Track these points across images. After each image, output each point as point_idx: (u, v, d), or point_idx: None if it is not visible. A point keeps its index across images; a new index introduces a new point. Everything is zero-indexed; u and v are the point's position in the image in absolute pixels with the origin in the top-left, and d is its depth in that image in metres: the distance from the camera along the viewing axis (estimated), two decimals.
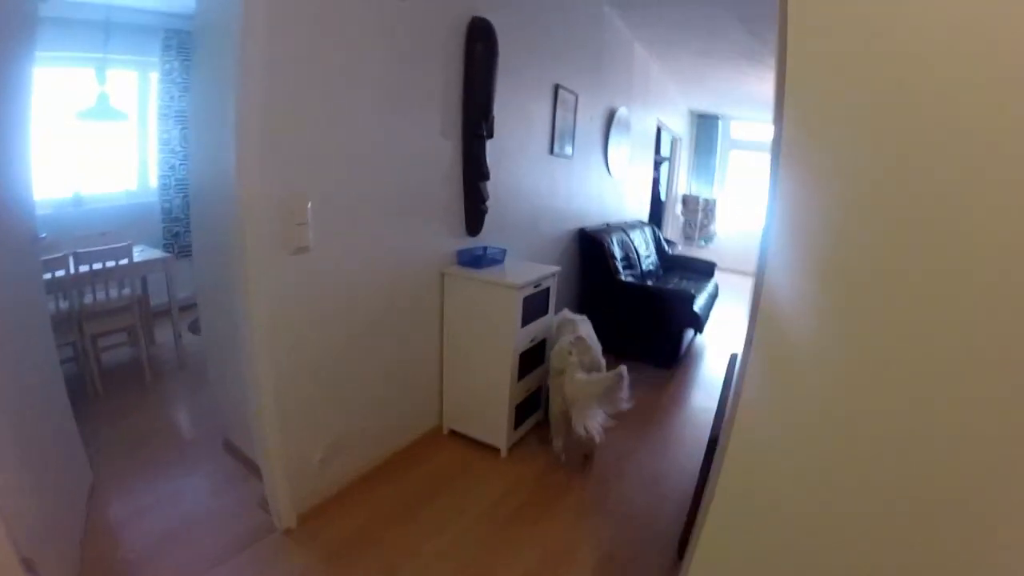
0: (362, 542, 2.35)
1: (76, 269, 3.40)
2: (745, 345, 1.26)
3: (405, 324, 2.75)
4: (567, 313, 3.17)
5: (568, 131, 4.06)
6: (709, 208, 8.02)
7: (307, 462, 2.38)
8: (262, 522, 2.42)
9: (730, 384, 2.70)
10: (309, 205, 2.09)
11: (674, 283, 5.12)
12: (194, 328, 4.82)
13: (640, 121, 5.74)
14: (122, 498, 2.57)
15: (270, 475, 2.29)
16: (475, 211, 2.99)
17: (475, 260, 2.91)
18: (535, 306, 2.90)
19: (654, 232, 5.86)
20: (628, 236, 5.01)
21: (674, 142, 7.55)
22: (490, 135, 2.91)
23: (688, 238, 7.84)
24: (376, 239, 2.47)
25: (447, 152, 2.79)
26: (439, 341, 3.01)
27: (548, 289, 3.03)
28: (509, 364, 2.79)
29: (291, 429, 2.26)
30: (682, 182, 8.17)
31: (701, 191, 8.22)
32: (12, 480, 1.59)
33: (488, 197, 3.02)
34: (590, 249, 4.43)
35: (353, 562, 2.24)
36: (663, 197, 7.52)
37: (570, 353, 2.73)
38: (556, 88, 3.79)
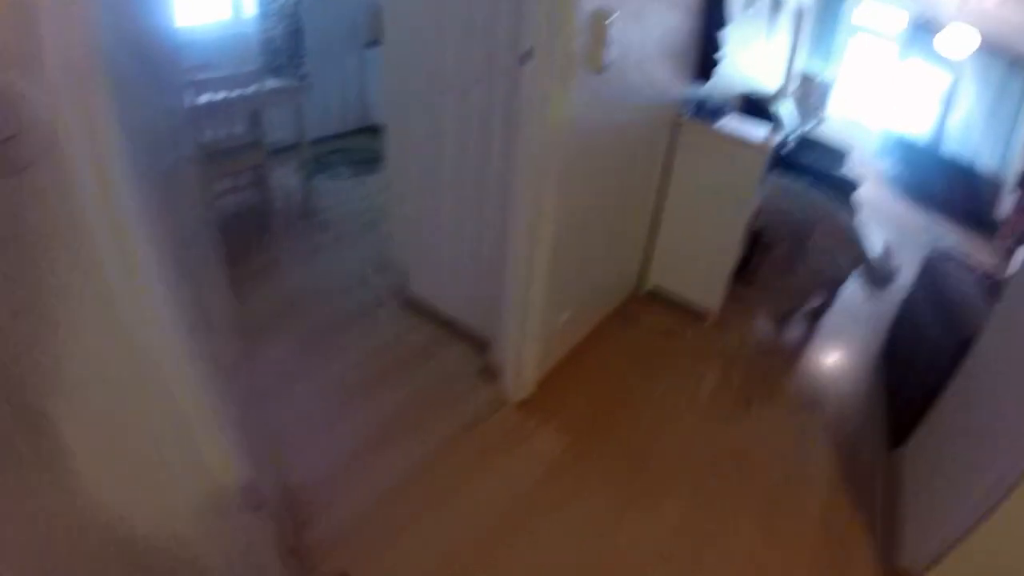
0: (597, 422, 2.17)
1: (194, 100, 2.89)
2: None
3: (636, 167, 2.51)
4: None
5: None
6: (824, 90, 7.38)
7: (552, 322, 2.16)
8: (489, 394, 2.17)
9: (935, 285, 2.54)
10: (617, 14, 1.73)
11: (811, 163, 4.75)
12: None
13: None
14: (296, 382, 2.20)
15: (517, 337, 2.04)
16: (709, 55, 2.60)
17: (712, 111, 2.59)
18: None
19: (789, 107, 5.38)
20: (781, 109, 4.57)
21: (801, 13, 6.76)
22: None
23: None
24: (636, 67, 2.12)
25: None
26: (657, 192, 2.76)
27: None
28: (740, 225, 2.60)
29: (553, 279, 2.03)
30: (798, 59, 7.45)
31: (817, 72, 7.53)
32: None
33: (724, 44, 2.61)
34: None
35: (597, 443, 2.08)
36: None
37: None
38: None
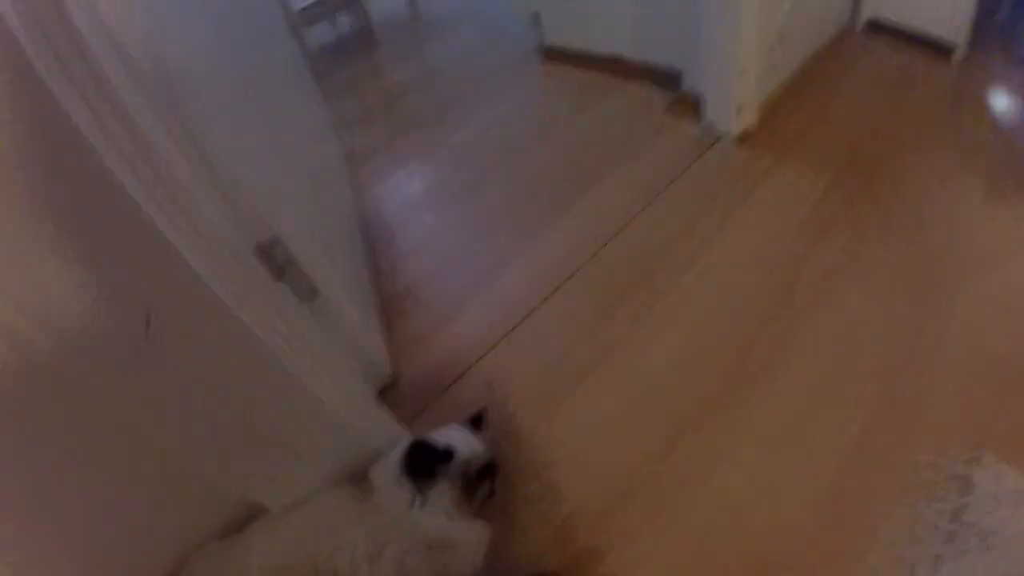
0: (840, 167, 1.68)
1: None
2: None
3: None
4: None
5: None
6: None
7: (766, 44, 1.70)
8: (688, 132, 1.77)
9: None
10: None
11: None
12: None
13: None
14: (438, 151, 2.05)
15: (728, 52, 1.61)
16: None
17: None
18: None
19: None
20: None
21: None
22: None
23: None
24: None
25: None
26: None
27: None
28: None
29: None
30: None
31: None
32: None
33: None
34: None
35: (847, 193, 1.59)
36: None
37: None
38: None
